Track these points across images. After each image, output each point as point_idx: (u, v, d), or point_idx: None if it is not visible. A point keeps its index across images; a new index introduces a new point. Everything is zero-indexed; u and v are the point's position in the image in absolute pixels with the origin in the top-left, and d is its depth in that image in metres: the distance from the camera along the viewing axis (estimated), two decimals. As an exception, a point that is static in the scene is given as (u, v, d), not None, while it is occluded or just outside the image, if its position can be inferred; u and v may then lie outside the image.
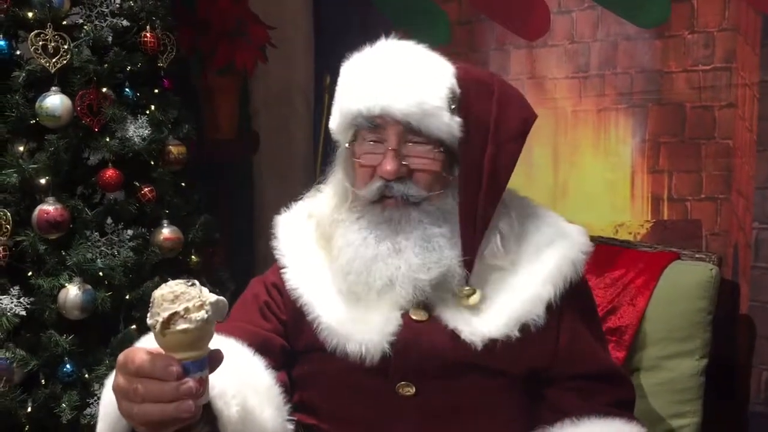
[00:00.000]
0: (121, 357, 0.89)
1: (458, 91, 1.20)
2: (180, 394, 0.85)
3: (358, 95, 1.21)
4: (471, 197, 1.21)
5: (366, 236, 1.21)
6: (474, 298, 1.21)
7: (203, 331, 0.86)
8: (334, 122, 1.28)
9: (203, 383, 0.88)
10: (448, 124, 1.19)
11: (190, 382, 0.85)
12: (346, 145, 1.26)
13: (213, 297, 0.87)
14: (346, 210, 1.26)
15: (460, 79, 1.22)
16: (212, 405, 0.95)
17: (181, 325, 0.84)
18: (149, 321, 0.86)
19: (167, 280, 2.07)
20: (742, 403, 1.79)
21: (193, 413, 0.86)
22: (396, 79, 1.19)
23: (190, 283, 0.86)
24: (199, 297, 0.86)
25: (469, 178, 1.21)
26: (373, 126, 1.21)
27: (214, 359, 0.90)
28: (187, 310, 0.84)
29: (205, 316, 0.85)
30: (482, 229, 1.22)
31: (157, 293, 0.86)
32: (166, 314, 0.84)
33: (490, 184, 1.21)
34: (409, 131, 1.19)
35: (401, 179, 1.20)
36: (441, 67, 1.23)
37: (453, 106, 1.19)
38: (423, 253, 1.19)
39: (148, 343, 1.02)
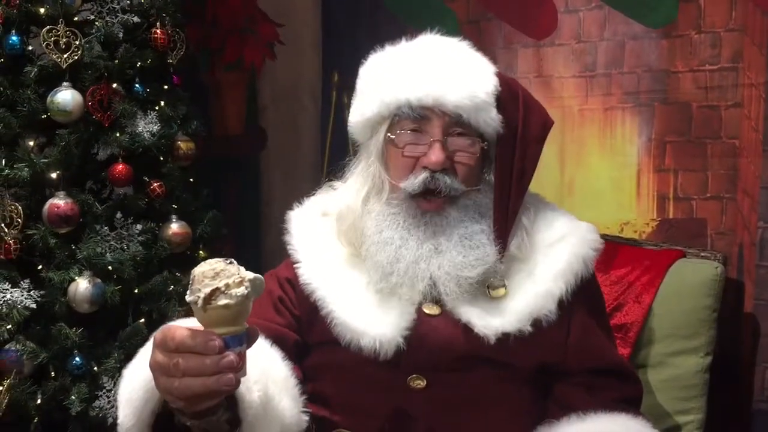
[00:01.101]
0: (158, 334, 0.90)
1: (499, 89, 1.24)
2: (221, 367, 0.86)
3: (406, 85, 1.21)
4: (505, 193, 1.24)
5: (406, 237, 1.22)
6: (500, 291, 1.23)
7: (242, 307, 0.88)
8: (367, 113, 1.27)
9: (243, 358, 0.90)
10: (494, 119, 1.22)
11: (231, 356, 0.87)
12: (389, 135, 1.25)
13: (251, 274, 0.89)
14: (382, 202, 1.26)
15: (498, 77, 1.25)
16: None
17: (223, 301, 0.86)
18: (189, 298, 0.88)
19: (176, 275, 2.08)
20: (746, 401, 1.80)
21: (233, 386, 0.88)
22: (448, 71, 1.22)
23: (228, 261, 0.89)
24: (238, 274, 0.88)
25: (503, 174, 1.24)
26: (418, 117, 1.22)
27: (252, 335, 0.92)
28: (227, 286, 0.86)
29: (245, 291, 0.87)
30: (512, 224, 1.25)
31: (197, 271, 0.88)
32: (207, 290, 0.86)
33: (518, 181, 1.24)
34: (453, 124, 1.22)
35: (445, 171, 1.21)
36: (485, 64, 1.27)
37: (496, 103, 1.22)
38: (465, 251, 1.21)
39: (180, 323, 1.03)
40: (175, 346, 0.88)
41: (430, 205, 1.23)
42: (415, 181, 1.22)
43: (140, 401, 1.01)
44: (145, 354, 1.05)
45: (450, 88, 1.20)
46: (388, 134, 1.25)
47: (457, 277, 1.20)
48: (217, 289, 0.86)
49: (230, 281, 0.86)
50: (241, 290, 0.87)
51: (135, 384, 1.03)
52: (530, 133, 1.26)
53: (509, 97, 1.25)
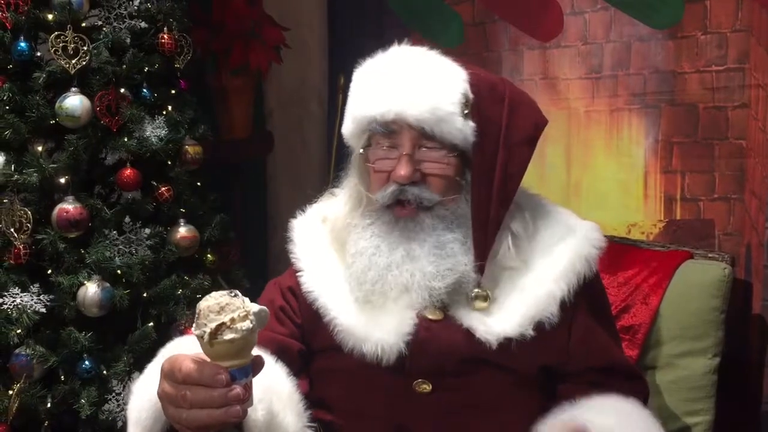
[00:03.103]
0: (166, 365, 0.92)
1: (471, 96, 1.21)
2: (228, 400, 0.89)
3: (371, 101, 1.22)
4: (483, 201, 1.22)
5: (378, 244, 1.23)
6: (482, 304, 1.22)
7: (248, 340, 0.90)
8: (348, 128, 1.29)
9: (249, 389, 0.92)
10: (461, 129, 1.20)
11: (237, 389, 0.89)
12: (360, 150, 1.27)
13: (256, 307, 0.91)
14: (359, 215, 1.27)
15: (473, 84, 1.23)
16: None
17: (228, 335, 0.88)
18: (196, 332, 0.89)
19: (184, 278, 2.10)
20: (754, 402, 1.79)
21: (240, 417, 0.91)
22: (409, 85, 1.21)
23: (233, 294, 0.90)
24: (243, 307, 0.89)
25: (481, 182, 1.22)
26: (387, 131, 1.22)
27: (257, 365, 0.94)
28: (232, 320, 0.88)
29: (250, 325, 0.89)
30: (494, 232, 1.23)
31: (203, 305, 0.89)
32: (213, 325, 0.88)
33: (501, 187, 1.22)
34: (423, 136, 1.21)
35: (415, 183, 1.21)
36: (454, 73, 1.24)
37: (466, 111, 1.21)
38: (437, 261, 1.20)
39: (183, 345, 1.04)
40: (182, 378, 0.89)
41: (404, 210, 1.23)
42: (386, 193, 1.22)
43: (149, 421, 1.03)
44: (152, 371, 1.07)
45: (411, 103, 1.19)
46: (360, 150, 1.27)
47: (427, 287, 1.20)
48: (223, 323, 0.88)
49: (235, 315, 0.88)
50: (246, 324, 0.88)
51: (143, 404, 1.05)
52: (516, 135, 1.24)
53: (490, 101, 1.23)
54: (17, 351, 1.83)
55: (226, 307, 0.88)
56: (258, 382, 0.98)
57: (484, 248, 1.22)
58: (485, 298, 1.22)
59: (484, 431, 1.23)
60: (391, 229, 1.23)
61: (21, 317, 1.81)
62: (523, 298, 1.23)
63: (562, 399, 1.24)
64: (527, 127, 1.26)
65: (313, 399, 1.28)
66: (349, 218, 1.29)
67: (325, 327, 1.27)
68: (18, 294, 1.83)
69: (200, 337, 0.89)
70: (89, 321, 1.88)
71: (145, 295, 1.97)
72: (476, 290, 1.22)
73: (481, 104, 1.22)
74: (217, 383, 0.88)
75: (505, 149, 1.23)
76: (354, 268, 1.24)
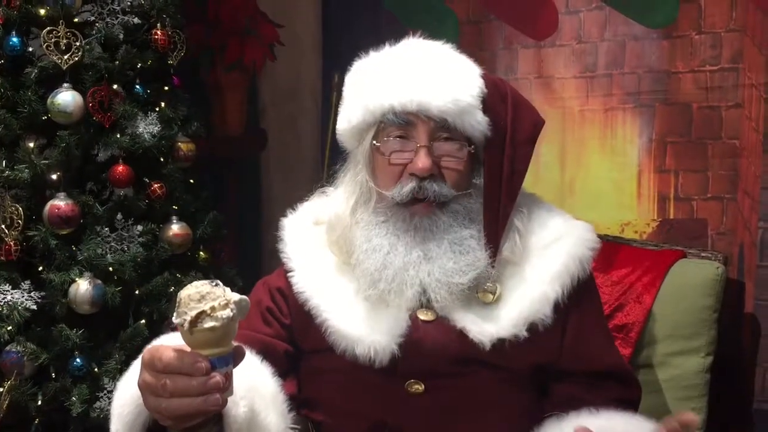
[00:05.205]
0: (146, 354, 0.91)
1: (485, 91, 1.22)
2: (208, 388, 0.87)
3: (389, 91, 1.20)
4: (494, 196, 1.22)
5: (394, 243, 1.21)
6: (488, 297, 1.21)
7: (228, 329, 0.89)
8: (354, 119, 1.25)
9: (229, 378, 0.91)
10: (480, 122, 1.20)
11: (217, 377, 0.88)
12: (374, 142, 1.24)
13: (236, 296, 0.90)
14: (369, 211, 1.25)
15: (484, 79, 1.24)
16: None
17: (208, 323, 0.87)
18: (176, 320, 0.89)
19: (176, 276, 2.09)
20: (746, 401, 1.80)
21: (220, 406, 0.90)
22: (432, 75, 1.20)
23: (213, 284, 0.89)
24: (224, 296, 0.89)
25: (492, 177, 1.22)
26: (402, 123, 1.21)
27: (238, 355, 0.93)
28: (213, 308, 0.87)
29: (231, 314, 0.88)
30: (503, 227, 1.23)
31: (184, 294, 0.89)
32: (193, 313, 0.87)
33: (508, 184, 1.23)
34: (439, 128, 1.20)
35: (433, 177, 1.20)
36: (470, 67, 1.25)
37: (482, 106, 1.21)
38: (456, 257, 1.20)
39: (168, 341, 1.04)
40: (162, 367, 0.89)
41: (419, 208, 1.22)
42: (403, 190, 1.20)
43: (131, 416, 1.02)
44: (136, 368, 1.06)
45: (434, 93, 1.18)
46: (374, 142, 1.24)
47: (448, 283, 1.19)
48: (203, 311, 0.87)
49: (216, 304, 0.87)
50: (227, 312, 0.88)
51: (125, 399, 1.04)
52: (520, 133, 1.24)
53: (497, 98, 1.23)
54: (8, 348, 1.82)
55: (207, 296, 0.88)
56: (241, 381, 0.98)
57: (495, 243, 1.22)
58: (493, 293, 1.22)
59: (477, 430, 1.22)
60: (407, 228, 1.21)
61: (12, 314, 1.80)
62: (517, 299, 1.22)
63: (555, 397, 1.24)
64: (528, 126, 1.27)
65: (303, 399, 1.28)
66: (355, 215, 1.26)
67: (317, 327, 1.25)
68: (9, 291, 1.83)
69: (180, 326, 0.88)
70: (81, 318, 1.88)
71: (137, 292, 1.96)
72: (488, 284, 1.22)
73: (491, 100, 1.23)
74: (197, 371, 0.87)
75: (511, 146, 1.23)
76: (366, 266, 1.22)
